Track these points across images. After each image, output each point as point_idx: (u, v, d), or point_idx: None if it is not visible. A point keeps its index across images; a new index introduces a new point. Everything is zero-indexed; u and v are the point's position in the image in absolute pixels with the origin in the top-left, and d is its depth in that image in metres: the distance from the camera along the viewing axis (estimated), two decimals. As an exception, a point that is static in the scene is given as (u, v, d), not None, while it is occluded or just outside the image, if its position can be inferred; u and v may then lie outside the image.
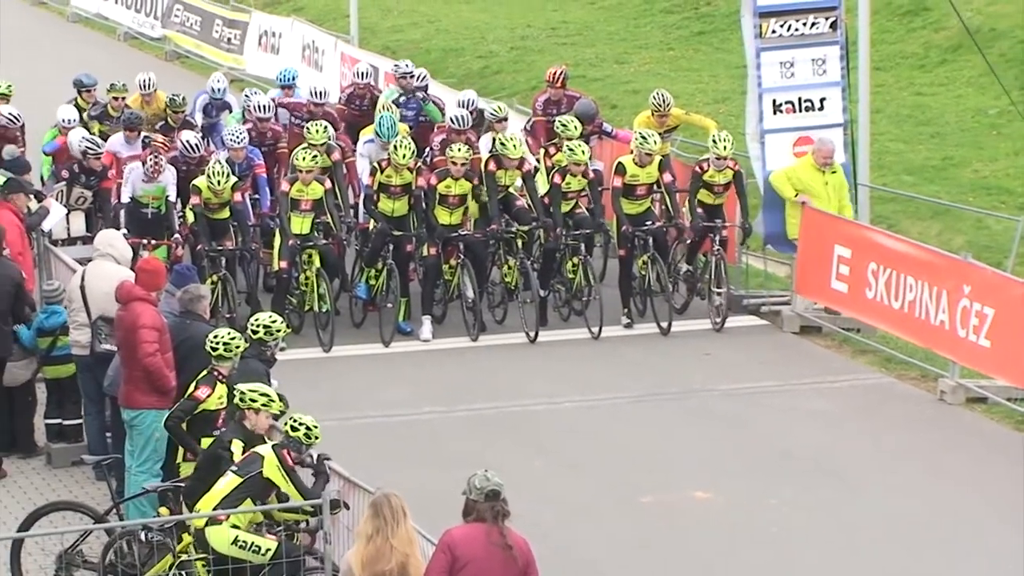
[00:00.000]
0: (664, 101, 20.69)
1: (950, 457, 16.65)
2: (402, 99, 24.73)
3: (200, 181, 18.77)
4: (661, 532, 15.67)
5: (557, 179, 20.19)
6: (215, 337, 14.03)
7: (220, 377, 14.30)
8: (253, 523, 13.66)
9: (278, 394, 14.40)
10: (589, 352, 19.56)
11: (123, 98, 23.79)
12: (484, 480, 11.92)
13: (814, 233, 19.35)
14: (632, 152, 18.86)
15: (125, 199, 19.21)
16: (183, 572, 14.22)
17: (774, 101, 20.88)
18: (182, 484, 14.58)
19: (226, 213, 19.13)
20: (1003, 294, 17.04)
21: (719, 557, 15.34)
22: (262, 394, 13.65)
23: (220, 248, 18.98)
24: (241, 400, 12.95)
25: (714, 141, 18.92)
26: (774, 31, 20.69)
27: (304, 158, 20.19)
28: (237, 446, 13.53)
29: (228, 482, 13.25)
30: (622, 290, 19.53)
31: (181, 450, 14.99)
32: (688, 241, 19.26)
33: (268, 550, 13.58)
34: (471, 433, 17.99)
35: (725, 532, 15.20)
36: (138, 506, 15.07)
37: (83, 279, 16.80)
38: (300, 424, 13.67)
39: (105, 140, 22.27)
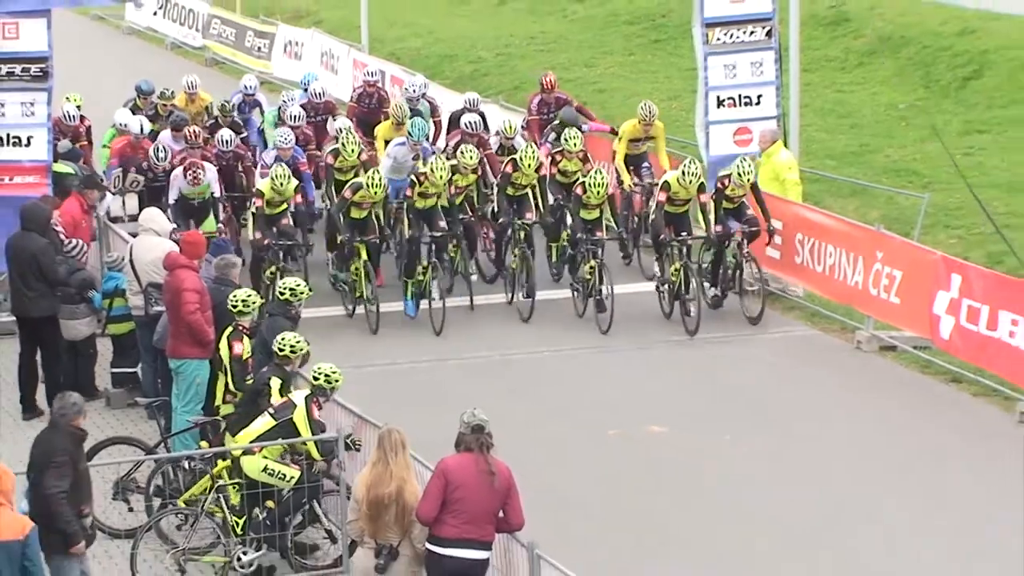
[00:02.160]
0: (651, 112, 20.45)
1: (865, 395, 16.85)
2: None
3: (264, 184, 18.30)
4: (623, 461, 15.60)
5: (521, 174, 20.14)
6: (234, 297, 14.18)
7: (244, 331, 14.40)
8: (280, 454, 13.55)
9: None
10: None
11: (171, 103, 23.03)
12: (471, 416, 11.80)
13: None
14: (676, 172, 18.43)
15: (172, 200, 18.86)
16: (219, 494, 13.77)
17: (718, 97, 20.76)
18: (219, 420, 14.50)
19: (283, 207, 18.83)
20: (910, 259, 17.42)
21: (675, 484, 15.28)
22: (298, 342, 13.87)
23: (280, 243, 18.55)
24: (282, 348, 13.27)
25: (738, 163, 18.37)
26: (719, 39, 20.70)
27: (372, 186, 18.87)
28: (275, 383, 13.66)
29: (264, 423, 13.30)
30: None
31: (220, 393, 14.72)
32: (713, 248, 18.66)
33: (292, 477, 13.50)
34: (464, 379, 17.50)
35: (680, 461, 15.21)
36: (182, 440, 14.89)
37: (131, 252, 16.52)
38: (320, 373, 13.57)
39: (155, 137, 21.65)
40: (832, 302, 18.18)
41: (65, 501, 11.78)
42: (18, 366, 16.73)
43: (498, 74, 30.03)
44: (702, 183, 17.87)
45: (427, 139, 21.50)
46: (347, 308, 18.71)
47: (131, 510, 14.41)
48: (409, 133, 20.79)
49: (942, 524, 14.35)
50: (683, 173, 17.60)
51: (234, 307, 14.20)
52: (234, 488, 13.57)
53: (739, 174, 17.76)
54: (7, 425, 16.54)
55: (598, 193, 18.21)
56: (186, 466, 14.27)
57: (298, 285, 14.88)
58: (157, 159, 19.53)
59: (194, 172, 18.50)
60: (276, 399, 13.40)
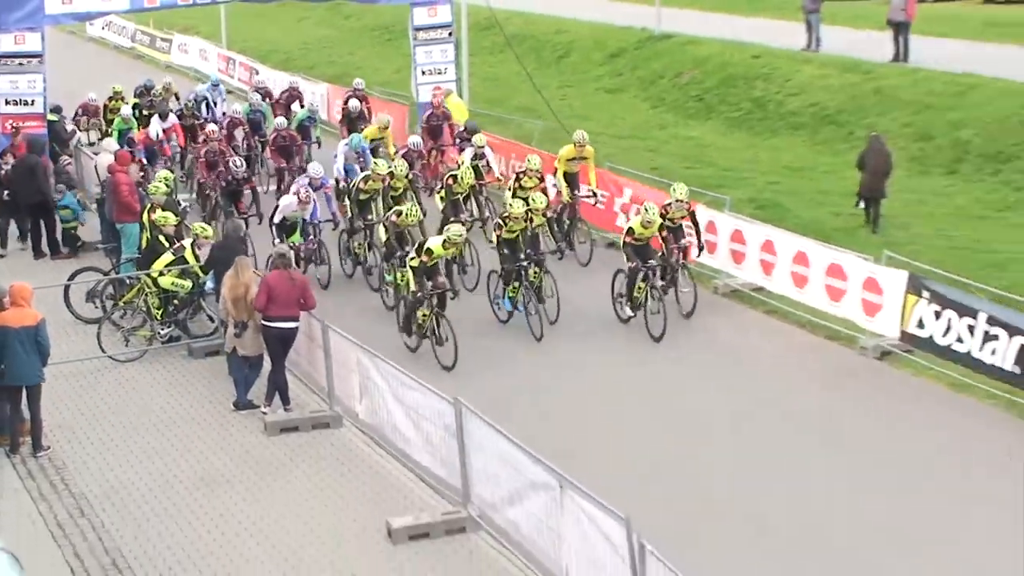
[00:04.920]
0: (583, 139, 20.80)
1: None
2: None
3: (435, 243, 16.86)
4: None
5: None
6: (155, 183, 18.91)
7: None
8: (178, 274, 17.39)
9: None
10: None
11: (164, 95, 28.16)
12: (278, 250, 15.85)
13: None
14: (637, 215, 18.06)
15: (277, 220, 19.11)
16: (145, 297, 17.54)
17: (422, 71, 27.45)
18: (139, 256, 18.44)
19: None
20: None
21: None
22: (204, 228, 17.31)
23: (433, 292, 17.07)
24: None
25: (673, 189, 18.02)
26: (423, 37, 27.33)
27: (408, 214, 18.19)
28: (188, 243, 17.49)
29: (167, 257, 17.39)
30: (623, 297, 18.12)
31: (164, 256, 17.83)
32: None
33: (186, 286, 17.39)
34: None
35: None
36: (125, 268, 19.17)
37: (95, 164, 23.01)
38: (198, 227, 17.46)
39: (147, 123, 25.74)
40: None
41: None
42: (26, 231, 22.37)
43: (302, 60, 40.11)
44: (660, 223, 17.66)
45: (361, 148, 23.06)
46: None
47: (96, 308, 18.51)
48: (349, 143, 23.00)
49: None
50: (643, 223, 17.51)
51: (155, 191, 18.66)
52: (153, 293, 17.60)
53: (678, 200, 17.87)
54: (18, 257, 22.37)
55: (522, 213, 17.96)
56: (126, 282, 18.39)
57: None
58: (235, 166, 21.38)
59: (306, 197, 19.10)
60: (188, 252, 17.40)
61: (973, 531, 12.62)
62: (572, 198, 20.64)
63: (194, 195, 23.78)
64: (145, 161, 23.21)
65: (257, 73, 34.31)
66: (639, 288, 17.48)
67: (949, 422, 15.19)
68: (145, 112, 26.67)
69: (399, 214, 18.26)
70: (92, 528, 12.84)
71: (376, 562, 12.09)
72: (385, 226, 18.61)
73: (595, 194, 20.84)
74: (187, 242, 17.30)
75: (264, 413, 15.03)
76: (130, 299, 17.64)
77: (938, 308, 16.14)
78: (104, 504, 13.21)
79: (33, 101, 24.05)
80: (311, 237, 19.45)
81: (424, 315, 16.61)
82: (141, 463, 14.11)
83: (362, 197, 20.37)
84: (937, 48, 28.24)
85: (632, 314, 17.74)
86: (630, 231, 17.59)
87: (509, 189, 19.86)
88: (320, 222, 19.83)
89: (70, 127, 25.98)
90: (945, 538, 12.54)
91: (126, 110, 26.13)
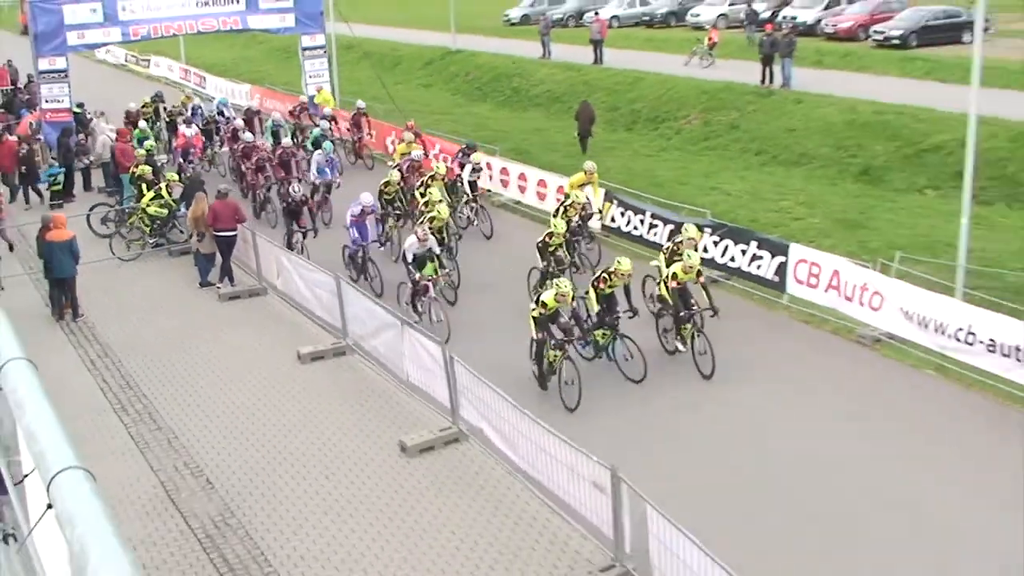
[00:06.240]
0: (592, 168, 22.01)
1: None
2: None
3: (548, 297, 15.74)
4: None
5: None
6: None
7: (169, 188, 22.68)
8: (159, 205, 21.99)
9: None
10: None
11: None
12: (222, 188, 21.85)
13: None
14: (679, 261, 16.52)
15: (410, 258, 17.74)
16: (140, 219, 21.79)
17: (309, 76, 34.28)
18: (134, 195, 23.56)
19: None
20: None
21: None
22: (174, 176, 22.44)
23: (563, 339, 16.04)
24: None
25: (685, 228, 17.72)
26: (310, 55, 34.28)
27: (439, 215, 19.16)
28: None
29: (151, 194, 21.92)
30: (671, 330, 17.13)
31: (148, 194, 22.41)
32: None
33: (164, 213, 21.75)
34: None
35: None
36: (125, 202, 23.86)
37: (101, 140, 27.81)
38: (169, 176, 22.27)
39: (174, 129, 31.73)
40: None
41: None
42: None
43: (234, 70, 51.40)
44: (699, 269, 16.54)
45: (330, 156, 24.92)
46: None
47: (107, 228, 22.98)
48: (323, 148, 24.93)
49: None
50: (684, 268, 16.12)
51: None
52: (144, 217, 22.16)
53: (689, 239, 17.30)
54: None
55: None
56: (126, 211, 23.06)
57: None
58: (294, 191, 21.02)
59: (423, 240, 17.80)
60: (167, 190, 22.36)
61: None
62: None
63: (241, 190, 25.89)
64: (183, 160, 27.26)
65: (205, 80, 45.36)
66: (685, 329, 16.61)
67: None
68: (167, 120, 32.66)
69: (432, 219, 18.64)
70: (113, 364, 16.48)
71: (290, 376, 15.56)
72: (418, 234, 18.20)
73: (600, 212, 21.54)
74: (163, 185, 22.51)
75: (219, 288, 20.16)
76: (131, 222, 22.48)
77: (623, 209, 22.27)
78: (122, 348, 17.12)
79: (62, 100, 30.94)
80: (446, 270, 18.29)
81: (554, 356, 15.48)
82: (143, 322, 18.60)
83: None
84: (620, 56, 40.78)
85: (683, 349, 16.78)
86: (673, 276, 16.42)
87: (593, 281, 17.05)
88: (369, 243, 19.88)
89: (89, 115, 31.47)
90: None
91: (143, 123, 30.72)
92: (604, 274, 16.53)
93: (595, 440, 12.26)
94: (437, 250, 18.07)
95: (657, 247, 19.75)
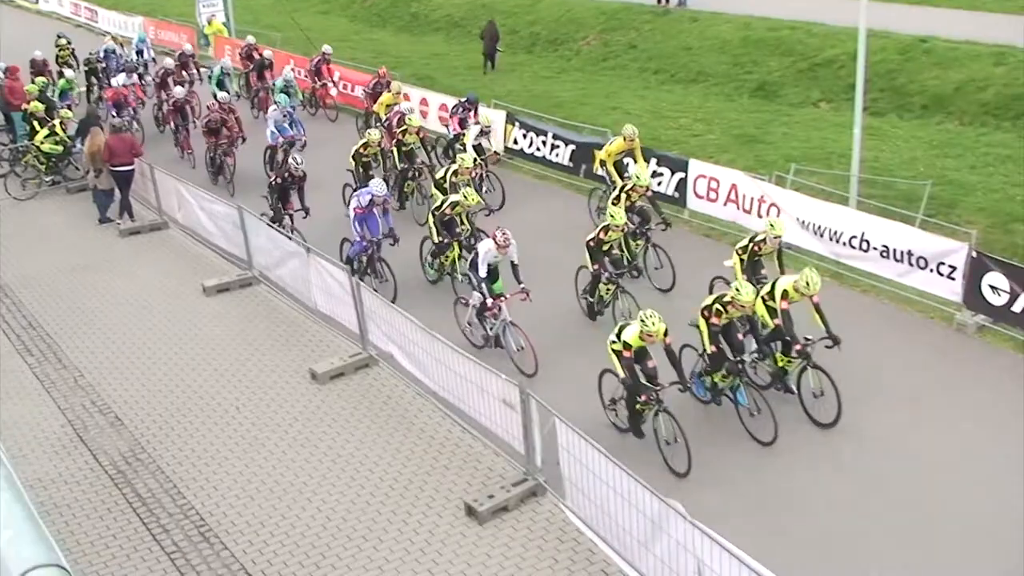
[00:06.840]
0: (633, 132, 18.25)
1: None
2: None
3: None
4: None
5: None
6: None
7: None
8: (54, 141, 21.78)
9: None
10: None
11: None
12: (114, 122, 20.22)
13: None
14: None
15: (482, 273, 14.10)
16: (35, 156, 21.47)
17: (202, 5, 33.96)
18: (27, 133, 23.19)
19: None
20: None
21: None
22: (67, 113, 22.36)
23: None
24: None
25: (771, 225, 13.89)
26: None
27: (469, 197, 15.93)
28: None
29: (44, 131, 21.69)
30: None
31: (41, 131, 22.25)
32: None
33: (59, 149, 21.51)
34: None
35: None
36: (18, 141, 23.44)
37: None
38: (64, 115, 22.35)
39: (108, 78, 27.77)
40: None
41: None
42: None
43: (127, 3, 47.19)
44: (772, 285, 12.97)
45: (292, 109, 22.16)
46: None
47: (1, 167, 22.97)
48: (276, 102, 22.30)
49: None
50: (797, 288, 12.11)
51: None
52: (39, 155, 21.87)
53: (776, 237, 13.90)
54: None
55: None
56: (20, 149, 22.71)
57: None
58: (294, 162, 17.77)
59: (503, 247, 14.07)
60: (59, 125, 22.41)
61: None
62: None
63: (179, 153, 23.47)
64: (115, 113, 23.66)
65: (96, 14, 43.07)
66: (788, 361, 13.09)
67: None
68: (86, 68, 27.82)
69: (454, 205, 15.90)
70: (14, 305, 16.22)
71: (196, 310, 15.68)
72: (435, 215, 16.14)
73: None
74: (56, 122, 22.36)
75: (118, 224, 20.38)
76: (25, 160, 22.40)
77: (524, 131, 22.53)
78: (22, 288, 16.79)
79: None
80: (521, 286, 14.17)
81: (642, 406, 12.02)
82: (43, 261, 18.35)
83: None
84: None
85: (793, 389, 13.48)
86: (784, 294, 12.31)
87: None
88: (379, 239, 16.46)
89: None
90: None
91: (69, 72, 26.60)
92: (717, 305, 12.41)
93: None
94: (516, 259, 14.39)
95: (560, 166, 19.96)
